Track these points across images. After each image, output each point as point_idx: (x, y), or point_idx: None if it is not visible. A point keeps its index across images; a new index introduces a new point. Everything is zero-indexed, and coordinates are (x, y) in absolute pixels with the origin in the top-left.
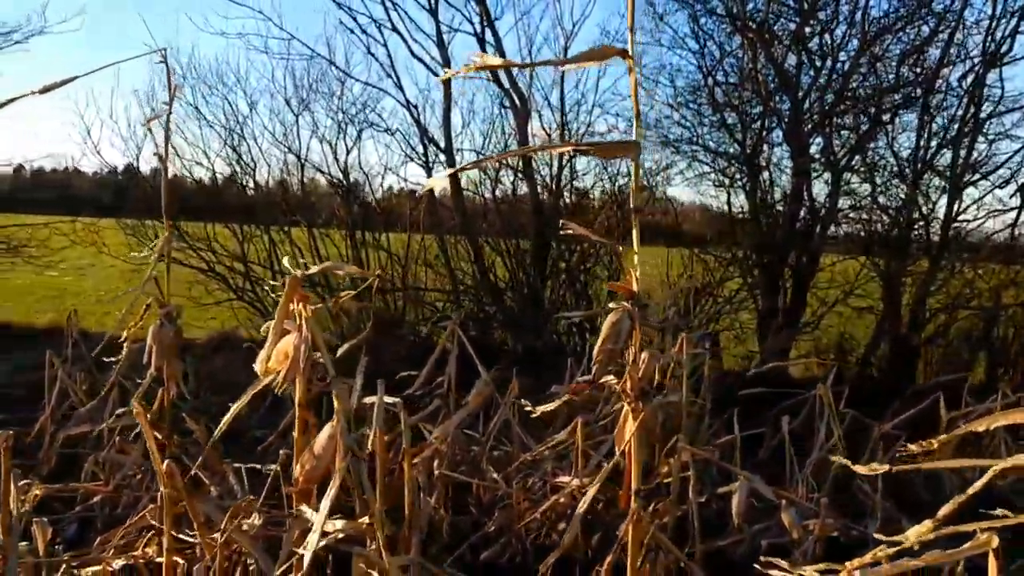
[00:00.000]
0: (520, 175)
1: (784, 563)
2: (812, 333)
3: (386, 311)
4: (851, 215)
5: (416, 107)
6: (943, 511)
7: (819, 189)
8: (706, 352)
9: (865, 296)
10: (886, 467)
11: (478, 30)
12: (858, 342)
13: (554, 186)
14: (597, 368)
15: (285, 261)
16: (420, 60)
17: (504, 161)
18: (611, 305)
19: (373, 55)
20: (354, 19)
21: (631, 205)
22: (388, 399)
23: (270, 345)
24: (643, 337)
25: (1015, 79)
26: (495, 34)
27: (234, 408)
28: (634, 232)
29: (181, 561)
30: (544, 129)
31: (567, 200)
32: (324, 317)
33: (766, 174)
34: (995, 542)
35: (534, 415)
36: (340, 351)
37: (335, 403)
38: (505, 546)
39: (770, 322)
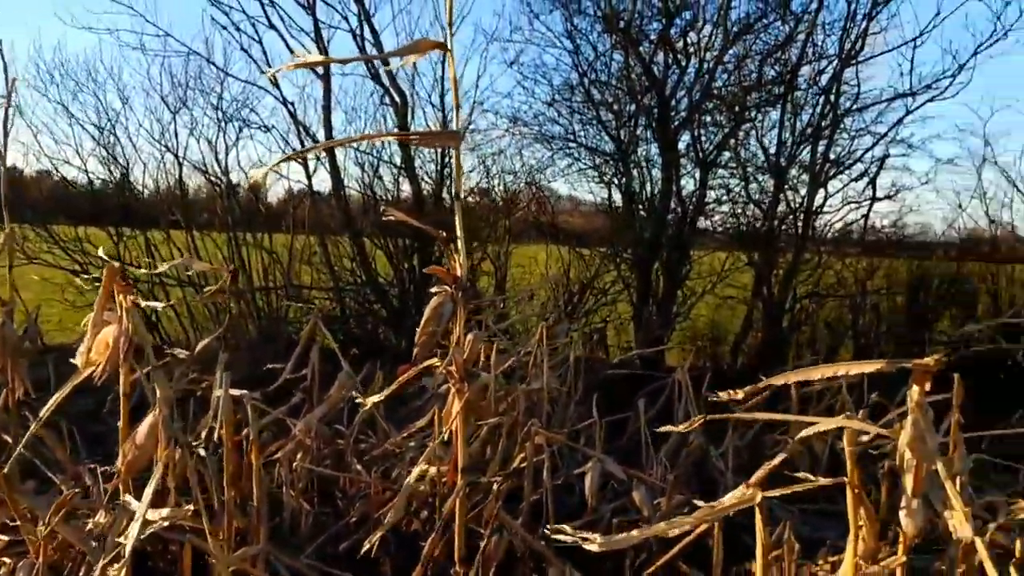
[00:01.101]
0: (402, 172)
1: (569, 528)
2: (688, 323)
3: (268, 310)
4: (721, 208)
5: (293, 104)
6: (756, 476)
7: (692, 184)
8: (569, 341)
9: (737, 287)
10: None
11: (355, 27)
12: (730, 331)
13: (436, 184)
14: (419, 351)
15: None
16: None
17: (384, 158)
18: (434, 289)
19: (247, 52)
20: (227, 15)
21: (454, 192)
22: (235, 392)
23: (90, 337)
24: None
25: (872, 79)
26: (373, 31)
27: (52, 401)
28: (457, 218)
29: (8, 561)
30: (428, 126)
31: (450, 197)
32: (204, 316)
33: (639, 170)
34: (759, 497)
35: (361, 406)
36: (197, 348)
37: (157, 392)
38: (365, 536)
39: (644, 313)
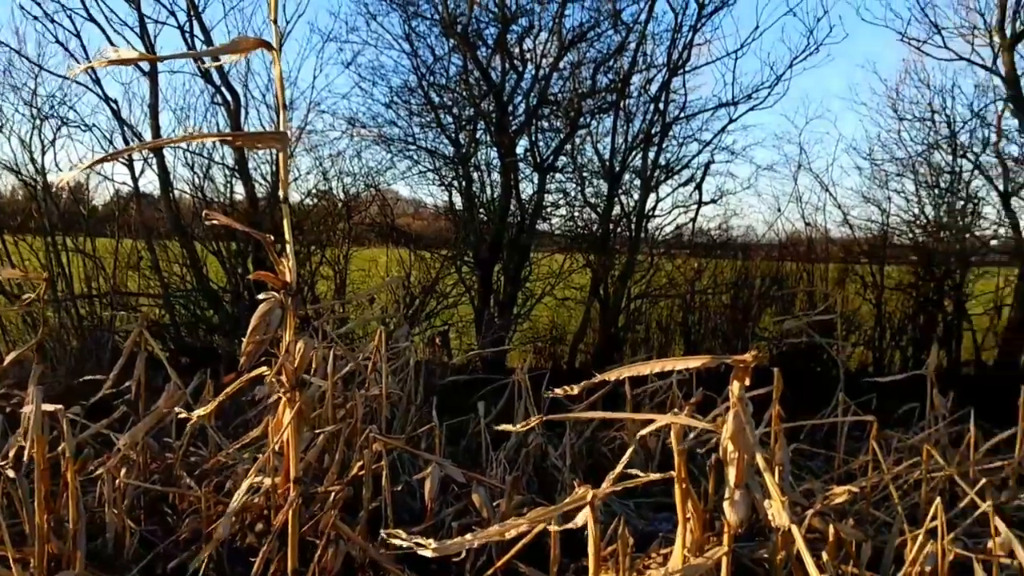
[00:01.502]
0: (235, 173)
1: (403, 534)
2: (528, 324)
3: (91, 320)
4: (559, 212)
5: (116, 102)
6: (603, 485)
7: (530, 188)
8: (409, 345)
9: (576, 288)
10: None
11: (184, 23)
12: (569, 332)
13: (271, 185)
14: (245, 360)
15: None
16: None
17: (216, 159)
18: (262, 296)
19: (64, 46)
20: (39, 5)
21: (281, 195)
22: (49, 406)
23: None
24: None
25: (698, 88)
26: (203, 28)
27: None
28: (285, 221)
29: None
30: (262, 126)
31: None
32: (19, 329)
33: (479, 174)
34: (590, 495)
35: (189, 419)
36: (8, 359)
37: None
38: (196, 554)
39: (485, 315)
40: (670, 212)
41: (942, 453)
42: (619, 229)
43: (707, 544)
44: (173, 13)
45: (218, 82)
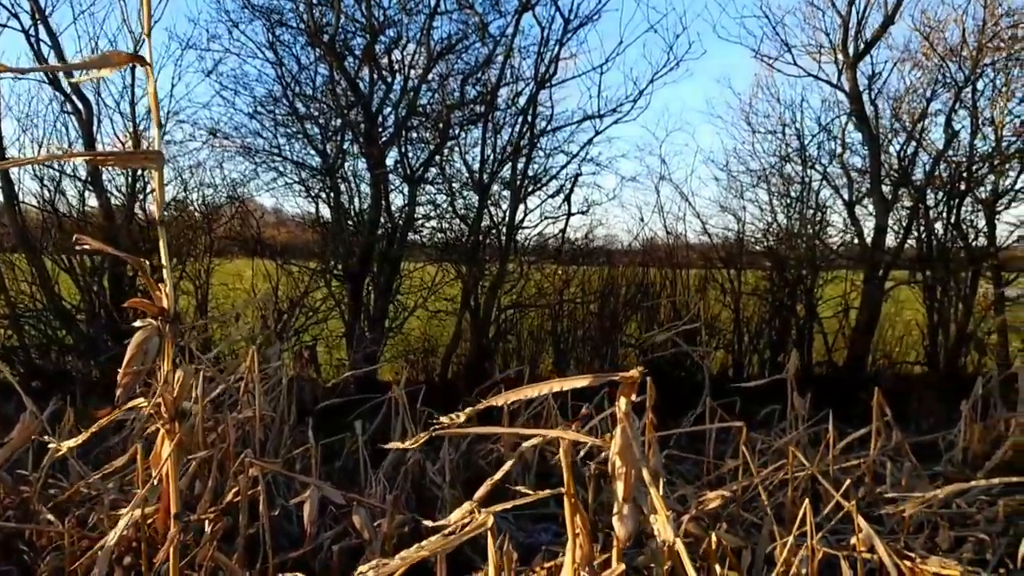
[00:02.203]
0: (89, 186)
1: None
2: (400, 338)
3: None
4: (430, 223)
5: None
6: (479, 493)
7: (400, 199)
8: (280, 364)
9: (447, 299)
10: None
11: (28, 26)
12: (442, 343)
13: (127, 198)
14: (121, 392)
15: None
16: None
17: (68, 171)
18: (137, 324)
19: None
20: None
21: (158, 218)
22: None
23: None
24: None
25: (564, 100)
26: (50, 31)
27: None
28: (162, 244)
29: None
30: (116, 136)
31: (143, 213)
32: None
33: (348, 185)
34: (490, 521)
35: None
36: None
37: None
38: None
39: (356, 329)
40: (539, 223)
41: (803, 453)
42: (489, 240)
43: (595, 557)
44: (16, 15)
45: (68, 90)
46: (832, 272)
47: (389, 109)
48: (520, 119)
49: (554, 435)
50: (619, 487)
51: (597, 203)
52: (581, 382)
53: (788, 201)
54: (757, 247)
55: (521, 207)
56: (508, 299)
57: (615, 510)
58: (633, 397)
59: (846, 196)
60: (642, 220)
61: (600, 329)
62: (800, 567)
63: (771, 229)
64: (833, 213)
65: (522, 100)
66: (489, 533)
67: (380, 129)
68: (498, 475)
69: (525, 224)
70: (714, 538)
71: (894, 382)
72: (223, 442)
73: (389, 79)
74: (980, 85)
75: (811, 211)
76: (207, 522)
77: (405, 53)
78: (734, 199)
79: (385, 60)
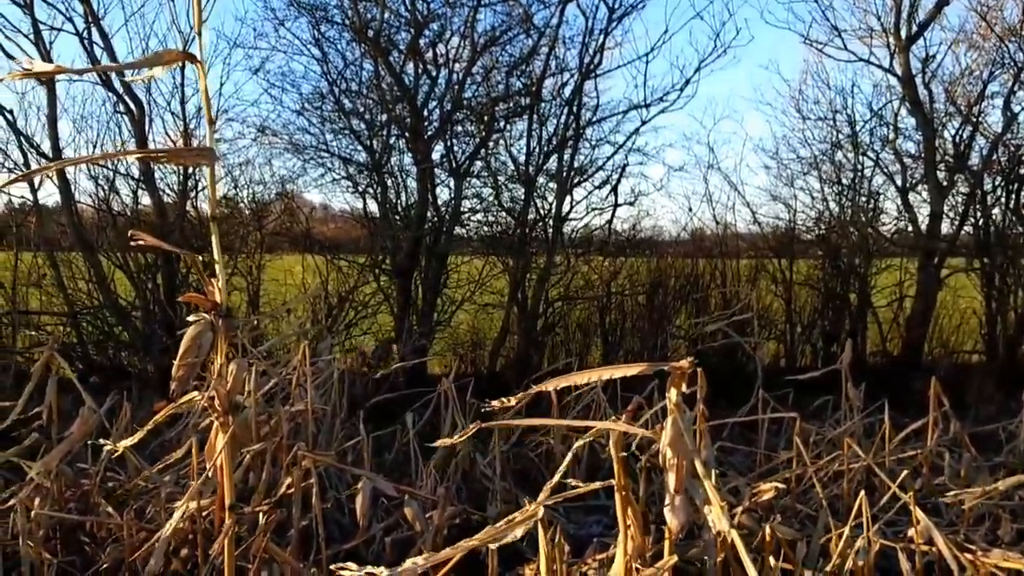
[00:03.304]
0: (141, 185)
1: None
2: (448, 331)
3: None
4: (476, 217)
5: (12, 112)
6: (541, 496)
7: (447, 193)
8: (332, 358)
9: (494, 293)
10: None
11: (82, 29)
12: (490, 337)
13: (179, 196)
14: (177, 385)
15: None
16: (15, 60)
17: (121, 170)
18: (190, 318)
19: None
20: None
21: (210, 214)
22: None
23: None
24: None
25: (610, 90)
26: (103, 34)
27: None
28: (214, 239)
29: None
30: (167, 135)
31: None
32: None
33: (394, 180)
34: (540, 512)
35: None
36: None
37: None
38: None
39: (405, 323)
40: (586, 214)
41: (858, 444)
42: (536, 232)
43: (647, 549)
44: (71, 19)
45: (120, 91)
46: (886, 260)
47: (434, 103)
48: (565, 110)
49: (604, 427)
50: (671, 478)
51: (644, 194)
52: (631, 370)
53: (840, 188)
54: (809, 236)
55: (568, 199)
56: (556, 292)
57: (667, 501)
58: (684, 388)
59: (899, 183)
60: (690, 210)
61: (649, 321)
62: (856, 559)
63: (823, 217)
64: (886, 200)
65: (567, 91)
66: (540, 525)
67: (425, 123)
68: (555, 478)
69: (572, 216)
70: (768, 530)
71: (951, 372)
72: (276, 435)
73: (434, 73)
74: None
75: (864, 198)
76: (261, 514)
77: (449, 47)
78: (784, 187)
79: (430, 54)
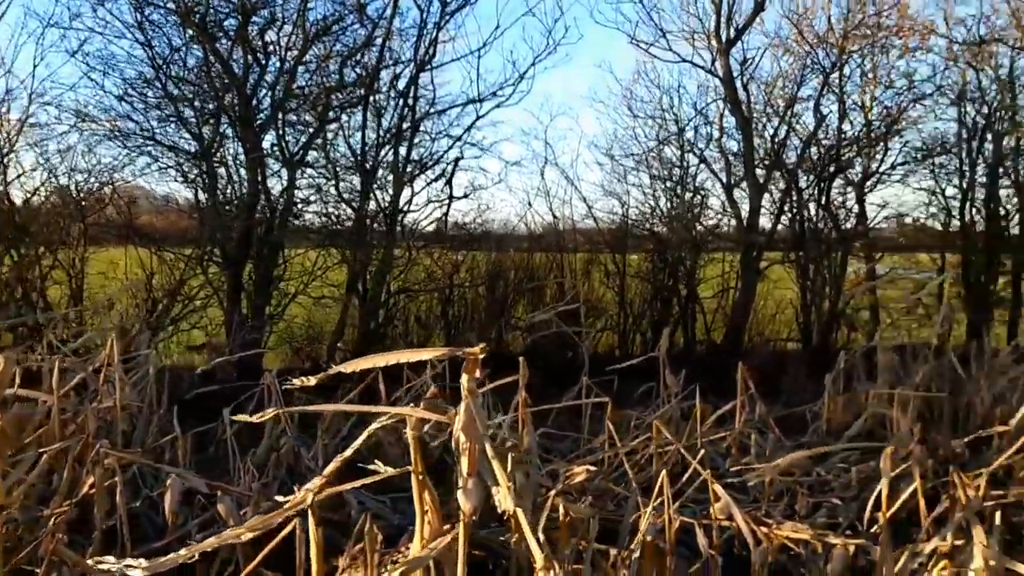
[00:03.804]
0: None
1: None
2: (283, 324)
3: None
4: (312, 207)
5: None
6: (328, 468)
7: (280, 184)
8: (151, 352)
9: (332, 285)
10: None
11: None
12: (327, 330)
13: None
14: None
15: None
16: None
17: None
18: None
19: None
20: None
21: None
22: None
23: None
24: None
25: (448, 84)
26: None
27: None
28: None
29: None
30: None
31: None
32: None
33: (225, 169)
34: (310, 498)
35: None
36: None
37: None
38: None
39: (236, 316)
40: (425, 206)
41: (674, 428)
42: (375, 224)
43: (443, 533)
44: None
45: None
46: (712, 254)
47: (265, 91)
48: (401, 102)
49: (398, 412)
50: (463, 462)
51: (482, 187)
52: (427, 354)
53: (669, 185)
54: (641, 230)
55: (408, 191)
56: (397, 284)
57: (459, 484)
58: (477, 373)
59: (724, 179)
60: (529, 205)
61: (488, 312)
62: (658, 537)
63: (654, 212)
64: (712, 196)
65: (402, 83)
66: (310, 512)
67: (256, 112)
68: (348, 452)
69: (411, 208)
70: (562, 508)
71: (769, 358)
72: (82, 433)
73: (264, 61)
74: (847, 71)
75: (690, 194)
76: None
77: (281, 34)
78: (618, 183)
79: (259, 41)
